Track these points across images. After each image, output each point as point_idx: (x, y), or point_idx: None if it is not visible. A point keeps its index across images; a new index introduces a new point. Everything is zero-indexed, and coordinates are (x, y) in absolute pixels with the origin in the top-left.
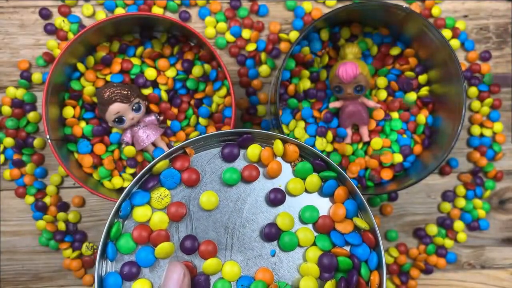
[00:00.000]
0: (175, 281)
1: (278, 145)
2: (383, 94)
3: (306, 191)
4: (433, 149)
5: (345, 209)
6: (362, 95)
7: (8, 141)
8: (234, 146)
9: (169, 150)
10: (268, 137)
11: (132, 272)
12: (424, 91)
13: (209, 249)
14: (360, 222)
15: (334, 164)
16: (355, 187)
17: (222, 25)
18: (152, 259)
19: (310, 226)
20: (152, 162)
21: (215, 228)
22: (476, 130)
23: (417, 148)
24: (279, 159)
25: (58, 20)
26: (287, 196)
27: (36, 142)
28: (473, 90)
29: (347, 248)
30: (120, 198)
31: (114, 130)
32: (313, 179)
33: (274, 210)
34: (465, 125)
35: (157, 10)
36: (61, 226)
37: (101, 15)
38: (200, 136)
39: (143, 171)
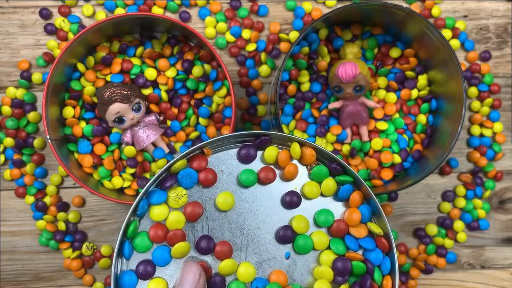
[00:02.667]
0: (191, 281)
1: (295, 147)
2: (383, 94)
3: (322, 194)
4: (433, 149)
5: (360, 214)
6: (361, 95)
7: (8, 141)
8: (251, 147)
9: (188, 150)
10: (286, 140)
11: (148, 271)
12: (424, 91)
13: (225, 250)
14: (374, 227)
15: (351, 168)
16: (371, 192)
17: (222, 25)
18: (168, 259)
19: (324, 229)
20: (171, 162)
21: (231, 229)
22: (476, 130)
23: (417, 148)
24: (295, 161)
25: (58, 20)
26: (302, 199)
27: (36, 142)
28: (473, 90)
29: (361, 253)
30: (138, 197)
31: (114, 130)
32: (329, 183)
33: (289, 213)
34: (465, 125)
35: (157, 10)
36: (61, 226)
37: (101, 15)
38: (218, 137)
39: (161, 170)
